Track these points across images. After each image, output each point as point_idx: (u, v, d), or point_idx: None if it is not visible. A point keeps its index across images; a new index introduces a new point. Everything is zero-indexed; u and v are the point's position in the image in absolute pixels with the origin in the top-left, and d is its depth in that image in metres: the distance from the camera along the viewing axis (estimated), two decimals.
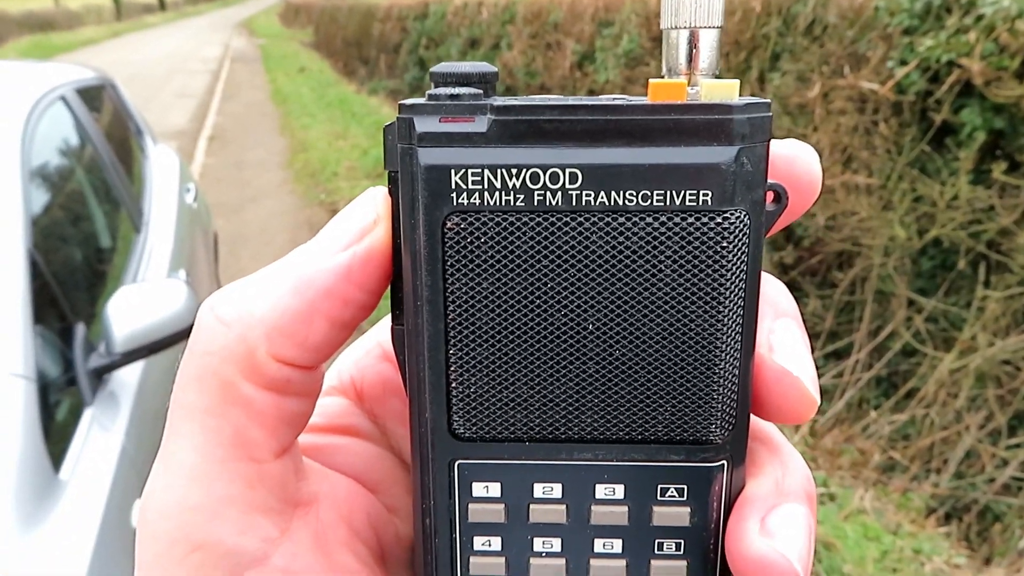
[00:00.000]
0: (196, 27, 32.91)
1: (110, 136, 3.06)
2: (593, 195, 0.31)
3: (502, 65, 7.91)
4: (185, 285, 2.04)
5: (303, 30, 25.05)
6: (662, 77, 0.34)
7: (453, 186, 0.32)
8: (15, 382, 1.53)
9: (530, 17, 7.84)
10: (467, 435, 0.34)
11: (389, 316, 0.37)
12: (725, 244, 0.32)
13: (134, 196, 2.96)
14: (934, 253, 3.52)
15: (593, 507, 0.35)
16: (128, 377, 1.91)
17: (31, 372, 1.56)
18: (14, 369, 1.54)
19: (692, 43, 0.33)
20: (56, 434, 1.59)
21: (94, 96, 3.12)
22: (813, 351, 0.35)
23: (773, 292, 0.36)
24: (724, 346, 0.33)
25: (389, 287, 0.35)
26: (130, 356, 1.83)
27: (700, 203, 0.31)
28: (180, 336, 1.87)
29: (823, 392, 3.14)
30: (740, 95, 0.32)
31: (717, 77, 0.34)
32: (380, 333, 0.41)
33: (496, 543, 0.36)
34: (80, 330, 1.86)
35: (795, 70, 3.97)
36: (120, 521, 1.58)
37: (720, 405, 0.33)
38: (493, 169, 0.31)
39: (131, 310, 1.86)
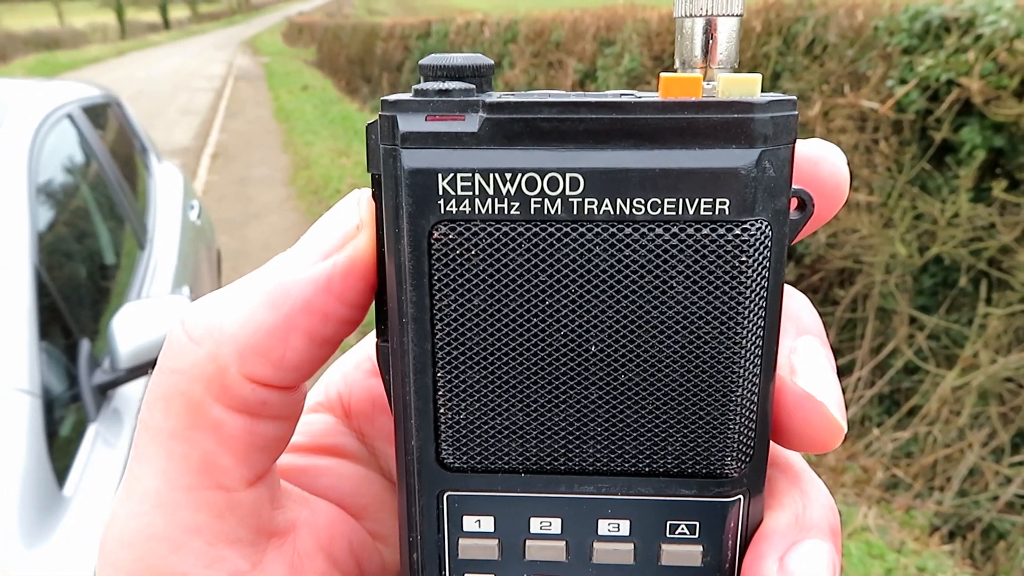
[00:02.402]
0: (200, 45, 33.15)
1: (115, 153, 3.08)
2: (596, 203, 0.28)
3: (504, 83, 7.95)
4: (189, 302, 2.05)
5: (306, 49, 25.22)
6: (674, 71, 0.30)
7: (440, 192, 0.28)
8: (20, 397, 1.53)
9: (532, 36, 7.89)
10: (457, 465, 0.31)
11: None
12: (744, 259, 0.28)
13: (139, 213, 2.98)
14: (935, 270, 3.52)
15: (595, 544, 0.32)
16: (132, 393, 1.92)
17: (36, 388, 1.57)
18: (19, 384, 1.55)
19: (709, 33, 0.30)
20: (60, 450, 1.59)
21: (100, 114, 3.15)
22: None
23: (795, 306, 0.33)
24: (742, 371, 0.29)
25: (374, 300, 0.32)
26: (134, 372, 1.84)
27: (716, 212, 0.28)
28: None
29: None
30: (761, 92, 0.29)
31: (736, 71, 0.30)
32: (370, 345, 0.38)
33: None
34: (85, 346, 1.87)
35: (796, 89, 4.00)
36: None
37: (737, 436, 0.30)
38: (485, 173, 0.28)
39: (136, 326, 1.86)
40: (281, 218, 7.23)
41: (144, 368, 1.85)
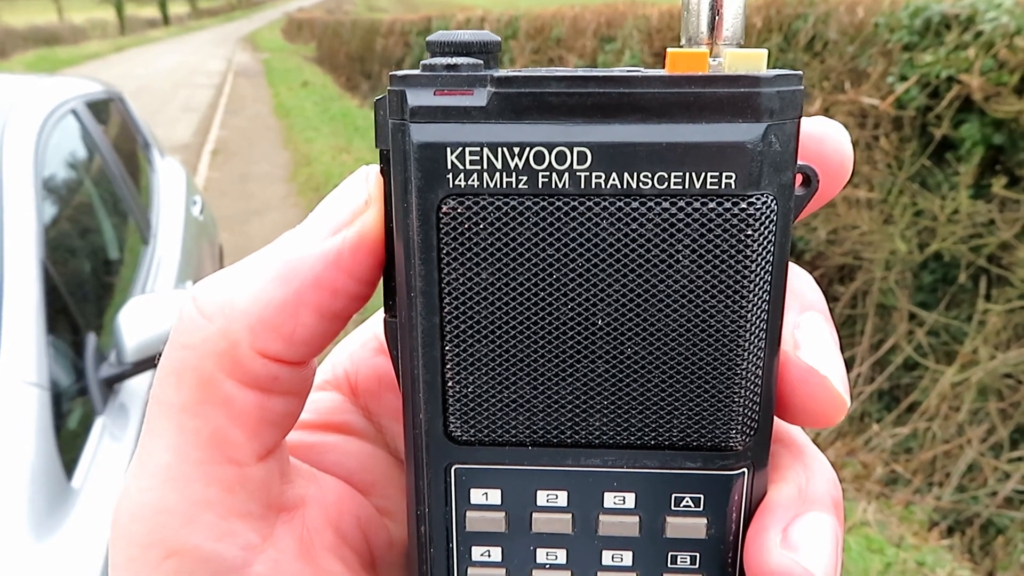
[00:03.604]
0: (200, 42, 33.09)
1: (119, 149, 3.09)
2: (604, 177, 0.28)
3: None
4: None
5: (306, 45, 25.18)
6: (681, 47, 0.30)
7: (449, 166, 0.28)
8: (29, 390, 1.55)
9: (532, 32, 7.89)
10: (464, 438, 0.32)
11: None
12: (750, 232, 0.28)
13: (142, 208, 2.99)
14: (935, 267, 3.53)
15: (601, 517, 0.32)
16: (138, 387, 1.93)
17: (44, 381, 1.58)
18: (28, 378, 1.56)
19: (715, 8, 0.30)
20: (68, 442, 1.61)
21: (103, 109, 3.15)
22: None
23: (798, 283, 0.33)
24: (747, 344, 0.29)
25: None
26: (141, 366, 1.85)
27: (723, 186, 0.28)
28: None
29: None
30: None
31: (742, 47, 0.30)
32: (376, 324, 0.39)
33: (496, 553, 0.33)
34: (91, 340, 1.89)
35: None
36: None
37: (741, 409, 0.30)
38: (493, 148, 0.28)
39: (141, 321, 1.88)
40: (282, 215, 7.24)
41: (150, 362, 1.86)
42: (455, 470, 0.32)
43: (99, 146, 2.81)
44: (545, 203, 0.29)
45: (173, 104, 13.92)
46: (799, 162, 0.30)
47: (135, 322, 1.86)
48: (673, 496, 0.32)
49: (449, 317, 0.30)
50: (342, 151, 9.28)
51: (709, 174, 0.28)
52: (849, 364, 3.65)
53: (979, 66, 3.10)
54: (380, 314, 0.36)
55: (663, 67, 0.29)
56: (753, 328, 0.30)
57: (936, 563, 2.88)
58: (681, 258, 0.29)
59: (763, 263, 0.29)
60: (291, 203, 7.61)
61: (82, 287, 2.20)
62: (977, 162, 3.22)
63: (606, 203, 0.28)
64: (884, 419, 3.58)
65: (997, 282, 3.29)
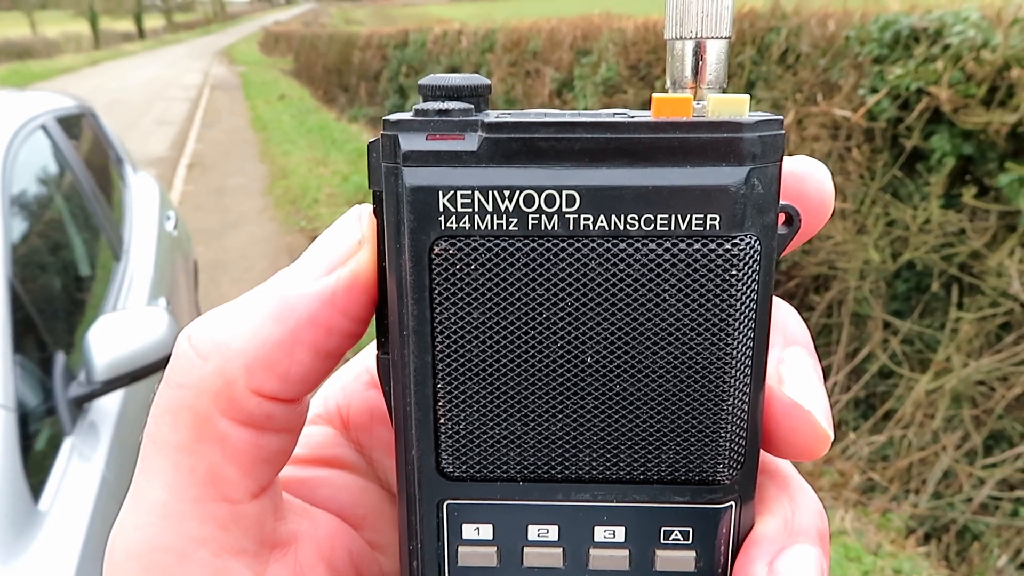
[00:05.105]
0: (176, 55, 32.90)
1: (90, 164, 3.05)
2: (592, 219, 0.29)
3: None
4: (166, 313, 2.04)
5: (283, 58, 25.12)
6: (666, 91, 0.31)
7: (441, 209, 0.29)
8: None
9: (509, 45, 7.92)
10: (456, 474, 0.32)
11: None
12: (734, 272, 0.29)
13: (114, 224, 2.95)
14: (908, 276, 3.57)
15: (592, 551, 0.33)
16: (108, 406, 1.90)
17: (11, 401, 1.55)
18: None
19: (698, 55, 0.31)
20: (35, 464, 1.58)
21: (74, 124, 3.12)
22: None
23: (782, 317, 0.34)
24: (733, 381, 0.30)
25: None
26: (111, 384, 1.82)
27: (707, 228, 0.29)
28: (161, 364, 1.86)
29: None
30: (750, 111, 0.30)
31: (725, 91, 0.31)
32: (368, 357, 0.39)
33: None
34: (60, 359, 1.85)
35: (770, 98, 4.05)
36: (101, 552, 1.56)
37: (728, 443, 0.31)
38: (484, 191, 0.29)
39: (112, 338, 1.85)
40: (258, 228, 7.19)
41: (120, 380, 1.83)
42: (447, 505, 0.33)
43: (70, 162, 2.77)
44: (535, 244, 0.29)
45: (148, 117, 13.82)
46: (782, 201, 0.31)
47: (105, 340, 1.84)
48: (662, 529, 0.32)
49: (441, 355, 0.31)
50: (319, 164, 9.25)
51: (694, 216, 0.29)
52: (825, 373, 3.66)
53: (947, 78, 3.15)
54: (372, 347, 0.36)
55: (649, 110, 0.30)
56: (739, 364, 0.30)
57: (913, 570, 2.90)
58: (668, 297, 0.29)
59: (748, 301, 0.30)
60: (268, 216, 7.56)
61: (51, 305, 2.17)
62: (947, 172, 3.27)
63: (594, 244, 0.29)
64: (860, 427, 3.61)
65: (969, 290, 3.34)
